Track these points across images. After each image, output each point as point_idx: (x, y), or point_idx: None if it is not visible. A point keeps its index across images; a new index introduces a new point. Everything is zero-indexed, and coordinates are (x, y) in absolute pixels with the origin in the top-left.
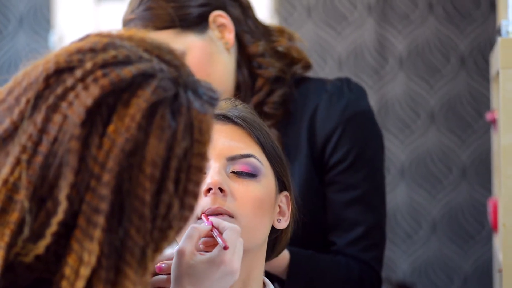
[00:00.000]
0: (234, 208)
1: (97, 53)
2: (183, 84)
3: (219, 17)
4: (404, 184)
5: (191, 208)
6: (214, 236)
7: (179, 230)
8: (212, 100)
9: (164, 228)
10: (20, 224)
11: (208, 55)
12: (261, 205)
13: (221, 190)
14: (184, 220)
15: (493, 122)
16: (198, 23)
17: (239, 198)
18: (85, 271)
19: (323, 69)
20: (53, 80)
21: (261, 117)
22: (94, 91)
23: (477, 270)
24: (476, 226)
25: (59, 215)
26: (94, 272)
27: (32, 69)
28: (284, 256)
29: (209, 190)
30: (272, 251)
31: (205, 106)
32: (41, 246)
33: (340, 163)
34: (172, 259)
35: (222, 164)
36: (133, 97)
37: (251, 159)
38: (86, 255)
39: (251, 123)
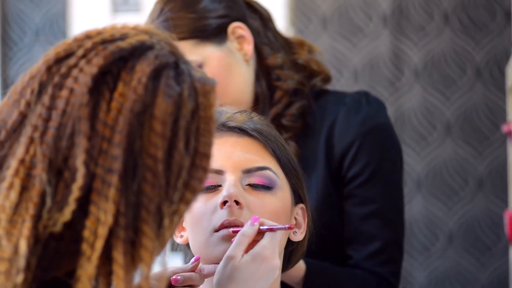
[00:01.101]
0: None
1: (93, 37)
2: (181, 57)
3: (238, 28)
4: (421, 196)
5: (204, 169)
6: (268, 227)
7: (194, 191)
8: (209, 79)
9: (178, 187)
10: (42, 197)
11: (227, 66)
12: (277, 218)
13: (237, 202)
14: (199, 180)
15: (509, 133)
16: (217, 34)
17: (255, 211)
18: (102, 231)
19: (339, 81)
20: (55, 68)
21: (279, 129)
22: (98, 61)
23: (494, 282)
24: (493, 238)
25: (79, 181)
26: (112, 232)
27: (32, 68)
28: (300, 267)
29: (225, 202)
30: (288, 262)
31: (204, 77)
32: (67, 213)
33: (358, 176)
34: (187, 272)
35: (238, 176)
36: (137, 64)
37: (267, 172)
38: (102, 215)
39: (267, 135)
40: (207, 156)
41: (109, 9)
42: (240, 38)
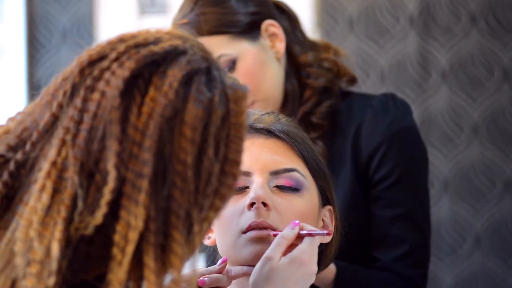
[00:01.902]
0: (277, 223)
1: (127, 40)
2: (213, 62)
3: (271, 26)
4: (448, 198)
5: (234, 176)
6: (307, 232)
7: (223, 197)
8: (241, 86)
9: (208, 193)
10: (74, 199)
11: (260, 62)
12: (304, 220)
13: (264, 204)
14: (228, 187)
15: None
16: (251, 31)
17: (282, 213)
18: (133, 235)
19: (366, 82)
20: (88, 71)
21: (307, 128)
22: (130, 65)
23: None
24: None
25: (110, 184)
26: (143, 237)
27: (65, 70)
28: (331, 269)
29: (252, 204)
30: (318, 265)
31: (236, 83)
32: (99, 216)
33: (385, 179)
34: (213, 273)
35: (266, 178)
36: (169, 69)
37: (295, 174)
38: (133, 219)
39: (294, 137)
40: (237, 163)
41: (136, 11)
42: (273, 35)
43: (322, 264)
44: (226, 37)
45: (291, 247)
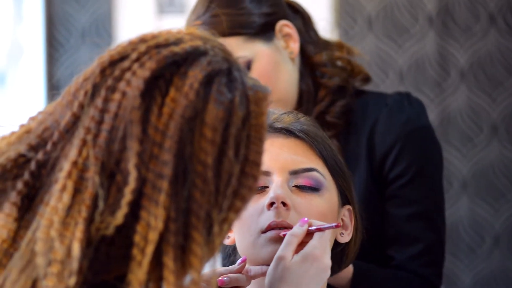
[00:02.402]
0: (297, 222)
1: (148, 40)
2: (234, 63)
3: (285, 26)
4: (466, 197)
5: (254, 177)
6: (317, 227)
7: (243, 199)
8: (262, 87)
9: (228, 194)
10: (95, 199)
11: (275, 63)
12: (324, 219)
13: (284, 204)
14: (248, 188)
15: None
16: (265, 32)
17: (302, 212)
18: (153, 236)
19: (384, 82)
20: (109, 71)
21: (322, 127)
22: (151, 65)
23: None
24: None
25: (131, 184)
26: (163, 237)
27: (87, 70)
28: (348, 268)
29: (272, 204)
30: (338, 265)
31: (257, 85)
32: (119, 216)
33: (399, 178)
34: (233, 273)
35: (285, 178)
36: (189, 70)
37: (314, 173)
38: (153, 220)
39: (313, 136)
40: (257, 164)
41: (155, 10)
42: (287, 36)
43: (343, 264)
44: (241, 39)
45: (302, 244)
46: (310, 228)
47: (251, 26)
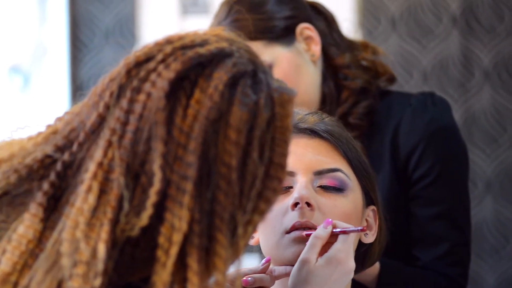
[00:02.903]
0: (321, 223)
1: (174, 42)
2: (260, 65)
3: (306, 29)
4: (491, 198)
5: (279, 180)
6: (341, 230)
7: (268, 201)
8: (288, 89)
9: (252, 196)
10: (120, 201)
11: (296, 66)
12: (349, 220)
13: (308, 204)
14: (273, 191)
15: None
16: (286, 35)
17: (326, 213)
18: (177, 237)
19: (408, 82)
20: (134, 72)
21: (346, 128)
22: (176, 66)
23: None
24: None
25: (156, 185)
26: (187, 239)
27: (113, 70)
28: (374, 265)
29: (296, 204)
30: (362, 265)
31: (283, 87)
32: (145, 218)
33: (423, 178)
34: (257, 273)
35: (309, 178)
36: (214, 72)
37: (338, 174)
38: (177, 221)
39: (338, 137)
40: (282, 166)
41: (178, 11)
42: (308, 39)
43: (366, 263)
44: (261, 43)
45: (327, 245)
46: (334, 230)
47: (273, 31)
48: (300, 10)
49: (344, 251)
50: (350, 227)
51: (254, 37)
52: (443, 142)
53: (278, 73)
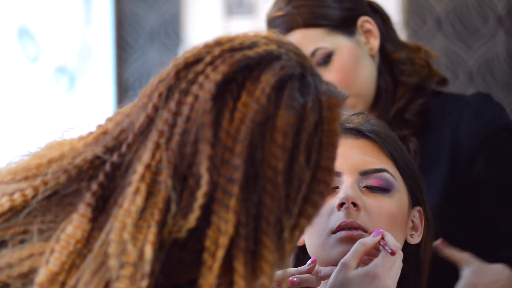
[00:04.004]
0: (367, 223)
1: (223, 44)
2: (309, 68)
3: (366, 22)
4: None
5: (326, 184)
6: (380, 245)
7: (315, 205)
8: (337, 92)
9: (299, 200)
10: (167, 203)
11: (355, 58)
12: (394, 220)
13: (354, 204)
14: (320, 195)
15: None
16: (347, 26)
17: (372, 213)
18: (224, 240)
19: (454, 83)
20: (183, 74)
21: (401, 125)
22: (223, 69)
23: None
24: None
25: (203, 187)
26: (233, 242)
27: (163, 72)
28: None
29: (342, 204)
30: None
31: (332, 90)
32: (192, 220)
33: (487, 178)
34: (303, 273)
35: (355, 178)
36: (262, 74)
37: (384, 174)
38: (223, 224)
39: (384, 137)
40: (329, 170)
41: (223, 11)
42: (368, 32)
43: (420, 264)
44: (322, 30)
45: (371, 254)
46: (380, 243)
47: (332, 18)
48: (360, 4)
49: (383, 268)
50: (397, 244)
51: (315, 24)
52: (504, 141)
53: (338, 62)
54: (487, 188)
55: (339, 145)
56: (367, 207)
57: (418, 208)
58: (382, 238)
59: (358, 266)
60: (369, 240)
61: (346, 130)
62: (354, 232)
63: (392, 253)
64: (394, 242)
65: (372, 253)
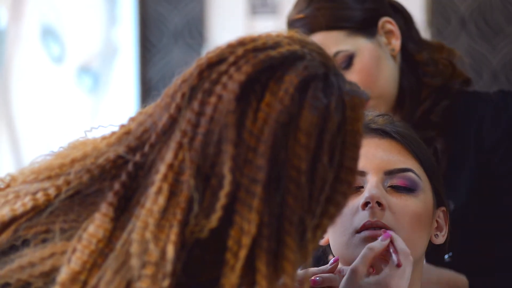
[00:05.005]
0: (392, 222)
1: (247, 44)
2: (332, 68)
3: (387, 23)
4: None
5: (349, 184)
6: (390, 251)
7: (338, 205)
8: (360, 92)
9: (322, 200)
10: (189, 202)
11: (377, 59)
12: (419, 220)
13: (379, 204)
14: (343, 195)
15: None
16: (368, 27)
17: (397, 213)
18: (246, 240)
19: (478, 82)
20: (206, 74)
21: (427, 126)
22: (247, 69)
23: None
24: None
25: (226, 188)
26: (256, 242)
27: (186, 72)
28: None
29: (366, 204)
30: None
31: (355, 90)
32: (214, 220)
33: (508, 170)
34: (325, 273)
35: (380, 178)
36: (285, 75)
37: (409, 174)
38: (246, 224)
39: (408, 138)
40: (352, 170)
41: (247, 11)
42: (389, 33)
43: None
44: (343, 33)
45: (382, 260)
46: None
47: (353, 20)
48: (381, 4)
49: (392, 277)
50: (406, 249)
51: (335, 26)
52: None
53: (359, 64)
54: (507, 180)
55: (364, 145)
56: (391, 206)
57: (442, 208)
58: (391, 242)
59: (368, 271)
60: (377, 245)
61: (371, 130)
62: (379, 232)
63: (398, 265)
64: (403, 246)
65: (383, 255)
